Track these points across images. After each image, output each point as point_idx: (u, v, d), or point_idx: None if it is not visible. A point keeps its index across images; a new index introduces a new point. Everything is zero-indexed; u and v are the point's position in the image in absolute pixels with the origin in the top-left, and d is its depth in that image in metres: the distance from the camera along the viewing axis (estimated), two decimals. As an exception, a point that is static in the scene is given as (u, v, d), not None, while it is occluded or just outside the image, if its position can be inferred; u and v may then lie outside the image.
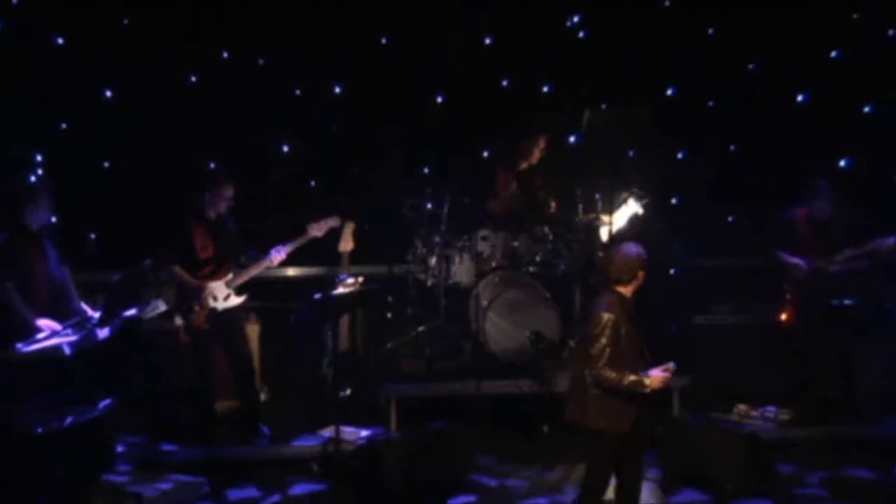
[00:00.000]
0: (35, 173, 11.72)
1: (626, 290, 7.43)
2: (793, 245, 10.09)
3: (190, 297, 9.49)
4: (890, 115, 11.94)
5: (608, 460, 7.53)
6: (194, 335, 9.53)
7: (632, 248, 7.51)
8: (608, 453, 7.50)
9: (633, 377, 7.28)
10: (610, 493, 7.73)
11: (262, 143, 11.81)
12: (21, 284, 8.32)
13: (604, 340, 7.29)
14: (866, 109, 12.21)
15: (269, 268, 9.75)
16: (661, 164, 11.72)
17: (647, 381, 7.24)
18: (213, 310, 9.50)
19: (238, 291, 9.63)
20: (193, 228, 9.51)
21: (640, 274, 7.44)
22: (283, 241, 9.68)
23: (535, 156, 10.95)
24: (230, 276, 9.60)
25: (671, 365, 7.27)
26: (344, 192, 11.72)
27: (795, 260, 10.04)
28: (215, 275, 9.56)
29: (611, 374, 7.27)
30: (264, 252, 9.63)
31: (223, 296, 9.55)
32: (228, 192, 9.53)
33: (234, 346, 9.69)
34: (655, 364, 7.34)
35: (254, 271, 9.65)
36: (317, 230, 9.76)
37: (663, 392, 7.64)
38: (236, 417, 9.71)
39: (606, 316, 7.32)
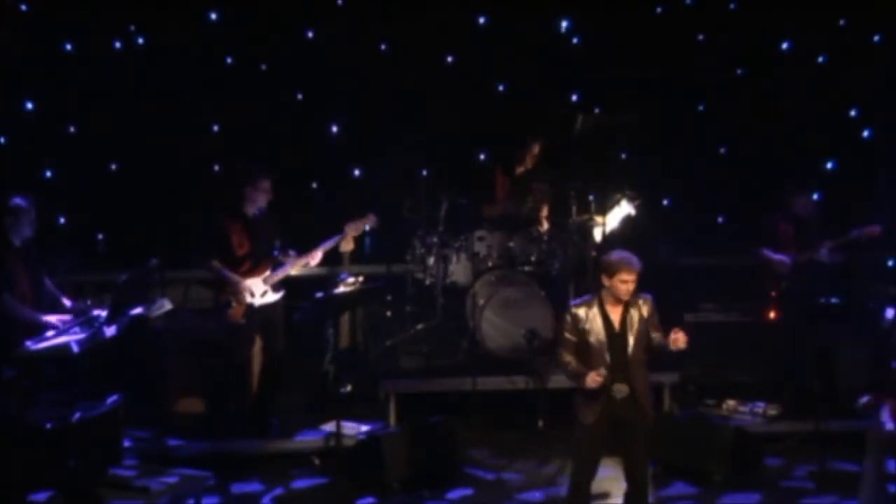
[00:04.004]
0: (44, 175, 11.77)
1: (605, 287, 7.56)
2: (774, 243, 10.07)
3: (228, 293, 9.40)
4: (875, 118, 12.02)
5: (581, 450, 7.64)
6: (231, 330, 9.45)
7: (615, 252, 7.71)
8: (579, 443, 7.64)
9: (575, 365, 7.51)
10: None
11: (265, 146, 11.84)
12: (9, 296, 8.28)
13: (564, 327, 7.62)
14: (852, 113, 12.26)
15: (306, 266, 9.65)
16: (652, 166, 11.75)
17: (587, 377, 7.36)
18: (251, 305, 9.40)
19: (276, 288, 9.54)
20: (230, 226, 9.39)
21: (611, 276, 7.52)
22: (320, 241, 9.61)
23: (529, 162, 10.96)
24: (267, 273, 9.48)
25: (602, 370, 7.38)
26: (345, 195, 11.76)
27: (779, 256, 10.03)
28: (253, 271, 9.44)
29: (563, 358, 7.59)
30: (303, 251, 9.57)
31: (260, 292, 9.43)
32: (267, 185, 9.42)
33: (270, 343, 9.62)
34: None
35: (291, 269, 9.54)
36: (353, 230, 9.69)
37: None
38: (253, 411, 9.67)
39: (571, 306, 7.65)
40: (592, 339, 7.51)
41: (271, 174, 9.51)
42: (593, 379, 7.34)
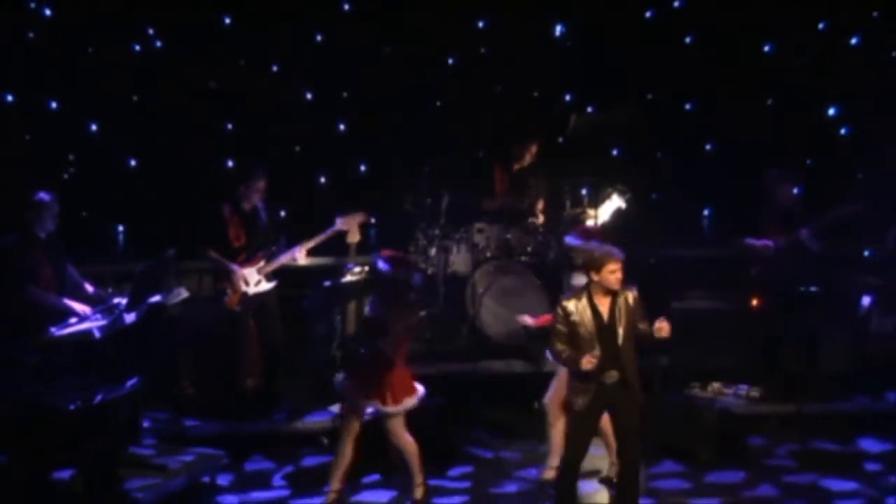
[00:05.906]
0: (68, 171, 11.90)
1: (594, 281, 7.59)
2: (762, 234, 10.00)
3: (224, 281, 9.56)
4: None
5: (575, 432, 7.72)
6: (227, 317, 9.57)
7: (594, 247, 7.72)
8: (573, 426, 7.74)
9: (568, 353, 7.53)
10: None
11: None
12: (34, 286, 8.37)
13: (556, 319, 7.64)
14: (831, 112, 12.37)
15: (293, 261, 9.69)
16: (642, 162, 11.83)
17: (581, 360, 7.42)
18: (245, 294, 9.55)
19: (269, 278, 9.67)
20: (228, 219, 9.56)
21: (598, 269, 7.54)
22: (311, 235, 9.69)
23: (527, 159, 10.99)
24: (262, 263, 9.61)
25: (596, 352, 7.44)
26: (351, 189, 11.87)
27: (763, 242, 9.97)
28: (248, 262, 9.57)
29: (556, 347, 7.61)
30: (292, 244, 9.67)
31: (254, 281, 9.56)
32: (261, 185, 9.57)
33: (266, 328, 9.73)
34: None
35: (284, 260, 9.65)
36: (344, 224, 9.75)
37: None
38: (259, 394, 9.75)
39: (562, 299, 7.67)
40: (582, 330, 7.52)
41: (265, 175, 9.61)
42: (588, 361, 7.39)
